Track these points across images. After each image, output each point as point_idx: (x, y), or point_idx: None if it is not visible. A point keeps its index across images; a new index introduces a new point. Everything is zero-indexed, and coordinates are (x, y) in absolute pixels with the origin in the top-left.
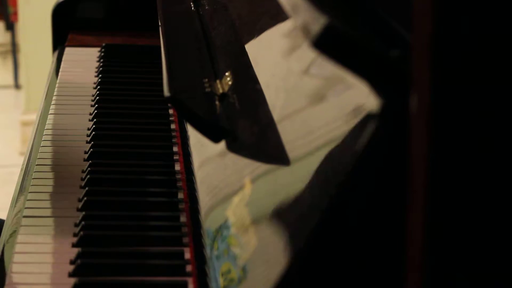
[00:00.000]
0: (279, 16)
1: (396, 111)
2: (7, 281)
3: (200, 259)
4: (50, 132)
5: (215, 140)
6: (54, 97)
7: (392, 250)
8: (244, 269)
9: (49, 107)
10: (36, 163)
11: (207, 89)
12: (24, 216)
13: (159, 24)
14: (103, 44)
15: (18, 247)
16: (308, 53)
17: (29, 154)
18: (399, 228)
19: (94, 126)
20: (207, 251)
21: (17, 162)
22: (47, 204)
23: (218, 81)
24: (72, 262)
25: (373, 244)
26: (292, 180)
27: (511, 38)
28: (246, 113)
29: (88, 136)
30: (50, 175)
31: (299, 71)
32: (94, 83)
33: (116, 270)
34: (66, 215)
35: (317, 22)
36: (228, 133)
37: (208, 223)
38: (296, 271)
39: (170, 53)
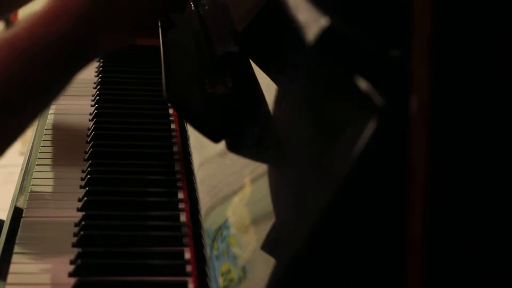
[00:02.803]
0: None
1: (396, 111)
2: (7, 281)
3: (200, 259)
4: (50, 132)
5: (215, 140)
6: None
7: (392, 249)
8: (244, 269)
9: (49, 107)
10: (36, 163)
11: (207, 90)
12: (24, 216)
13: (159, 24)
14: None
15: (17, 248)
16: (306, 53)
17: (29, 154)
18: (399, 227)
19: (94, 126)
20: (207, 251)
21: (17, 162)
22: (47, 204)
23: (218, 81)
24: (72, 262)
25: (374, 244)
26: (292, 180)
27: (510, 38)
28: (246, 113)
29: (88, 136)
30: (50, 175)
31: (298, 69)
32: (94, 83)
33: (116, 270)
34: (66, 215)
35: (317, 22)
36: (228, 133)
37: (208, 223)
38: (296, 271)
39: (170, 53)
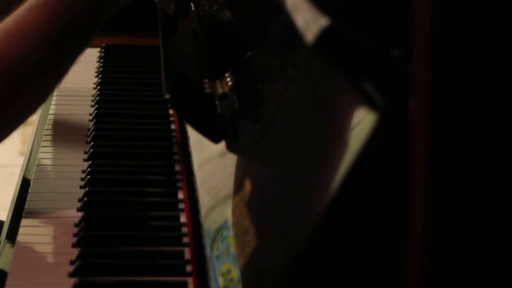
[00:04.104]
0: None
1: (396, 112)
2: (7, 281)
3: (200, 259)
4: (50, 132)
5: (215, 140)
6: (54, 97)
7: (392, 250)
8: None
9: (49, 107)
10: (36, 163)
11: (207, 90)
12: (24, 216)
13: (159, 24)
14: (103, 44)
15: (18, 248)
16: (306, 53)
17: (29, 154)
18: (398, 227)
19: (94, 126)
20: (207, 251)
21: (17, 162)
22: (47, 204)
23: (218, 81)
24: (72, 263)
25: (373, 244)
26: (291, 180)
27: (510, 39)
28: (246, 113)
29: (88, 136)
30: (50, 175)
31: (298, 70)
32: (94, 83)
33: (116, 270)
34: (66, 215)
35: (317, 22)
36: (228, 133)
37: (208, 223)
38: (295, 271)
39: (170, 54)
